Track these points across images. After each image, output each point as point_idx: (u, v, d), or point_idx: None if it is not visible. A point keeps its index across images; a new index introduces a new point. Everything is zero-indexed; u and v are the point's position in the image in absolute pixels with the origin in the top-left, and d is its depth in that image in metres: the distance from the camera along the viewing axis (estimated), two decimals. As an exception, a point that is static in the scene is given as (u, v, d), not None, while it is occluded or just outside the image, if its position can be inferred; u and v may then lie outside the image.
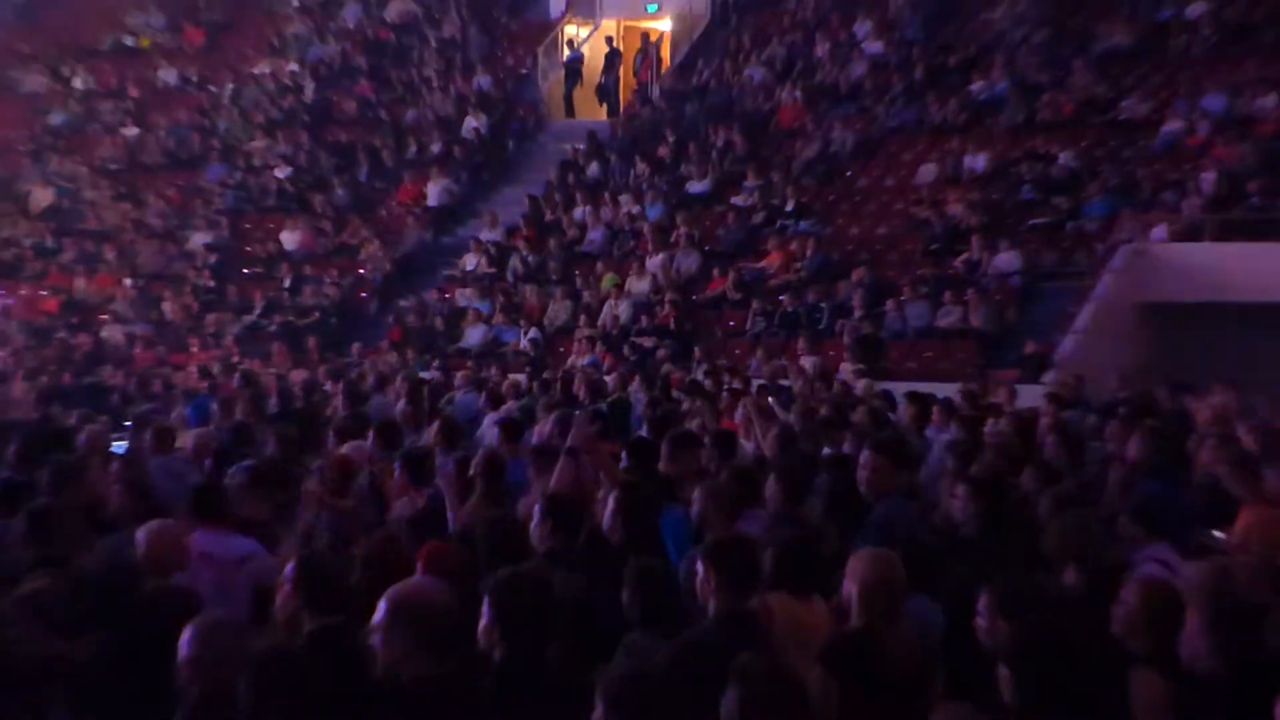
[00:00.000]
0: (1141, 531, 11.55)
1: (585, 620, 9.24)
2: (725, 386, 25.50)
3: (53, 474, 13.33)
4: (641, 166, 42.34)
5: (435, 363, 33.80)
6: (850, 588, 9.00)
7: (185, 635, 7.87)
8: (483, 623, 8.01)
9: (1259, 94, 37.90)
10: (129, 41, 55.34)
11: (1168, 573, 9.76)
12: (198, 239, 43.97)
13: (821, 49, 45.83)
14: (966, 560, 11.09)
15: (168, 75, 53.09)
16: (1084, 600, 9.34)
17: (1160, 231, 35.37)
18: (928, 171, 39.11)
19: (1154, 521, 11.66)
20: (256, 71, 52.60)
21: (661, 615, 9.01)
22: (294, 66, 52.28)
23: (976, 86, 41.30)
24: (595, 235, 40.36)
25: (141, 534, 10.67)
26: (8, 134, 51.49)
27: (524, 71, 50.33)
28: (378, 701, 7.61)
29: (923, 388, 24.97)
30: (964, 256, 35.92)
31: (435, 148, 45.80)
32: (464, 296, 39.64)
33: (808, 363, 31.24)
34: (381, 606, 7.59)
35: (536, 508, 11.10)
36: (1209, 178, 35.37)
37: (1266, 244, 34.30)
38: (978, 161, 38.77)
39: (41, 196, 47.34)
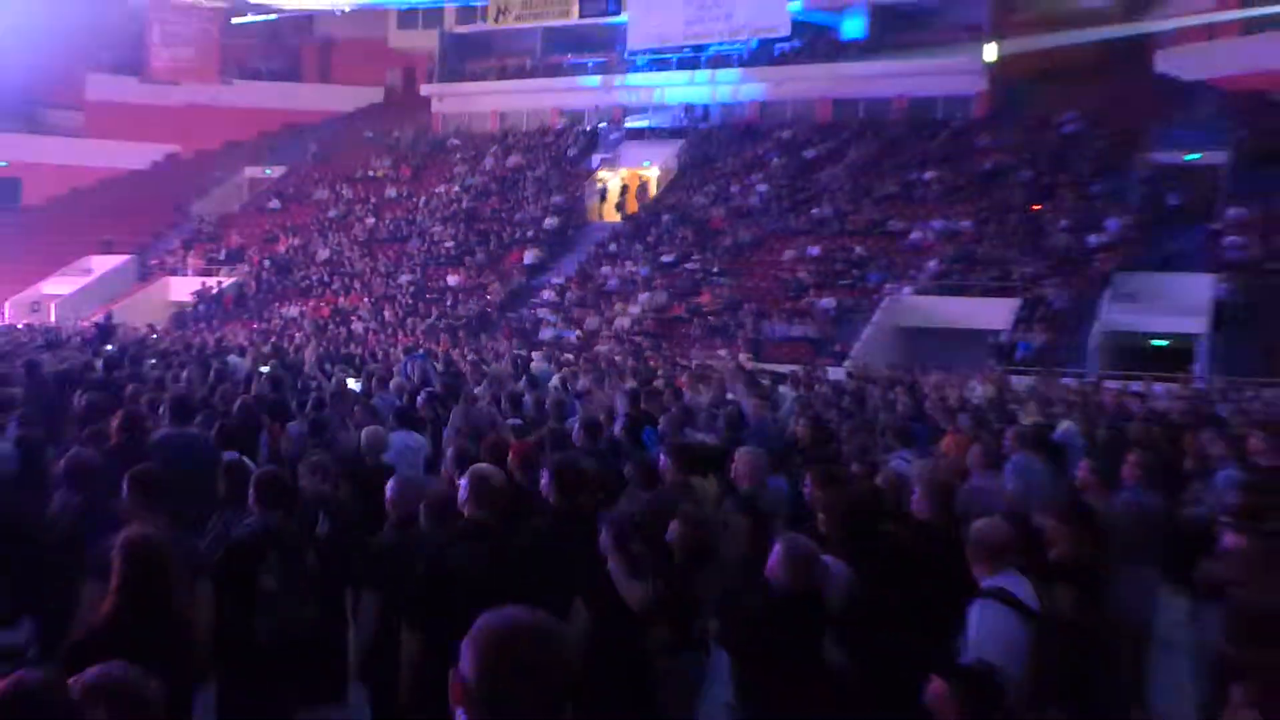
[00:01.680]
0: (898, 444, 10.87)
1: (608, 486, 8.16)
2: (681, 366, 24.49)
3: (322, 400, 12.34)
4: (638, 246, 40.44)
5: (527, 349, 30.77)
6: (739, 469, 8.21)
7: (390, 484, 7.03)
8: (542, 483, 7.01)
9: (962, 220, 36.30)
10: (372, 173, 51.18)
11: (908, 466, 9.19)
12: (404, 278, 41.43)
13: (735, 188, 43.32)
14: (803, 457, 10.17)
15: (391, 191, 49.67)
16: (865, 479, 8.53)
17: (907, 289, 34.22)
18: (789, 255, 37.63)
19: (905, 438, 11.04)
20: (438, 190, 48.58)
21: (646, 483, 8.07)
22: (457, 188, 48.38)
23: (815, 210, 39.52)
24: (612, 282, 38.68)
25: (366, 433, 9.69)
26: (306, 221, 48.08)
27: (577, 194, 46.54)
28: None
29: (784, 369, 24.25)
30: (806, 299, 34.81)
31: (529, 233, 43.33)
32: (542, 313, 37.51)
33: (723, 353, 30.10)
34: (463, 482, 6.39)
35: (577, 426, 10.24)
36: (932, 264, 34.82)
37: (961, 299, 33.20)
38: (815, 249, 37.36)
39: (321, 254, 44.80)
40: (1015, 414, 15.66)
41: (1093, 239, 34.20)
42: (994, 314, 32.28)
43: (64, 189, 49.93)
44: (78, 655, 4.13)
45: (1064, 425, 14.13)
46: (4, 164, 50.23)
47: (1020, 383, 22.88)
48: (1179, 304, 31.20)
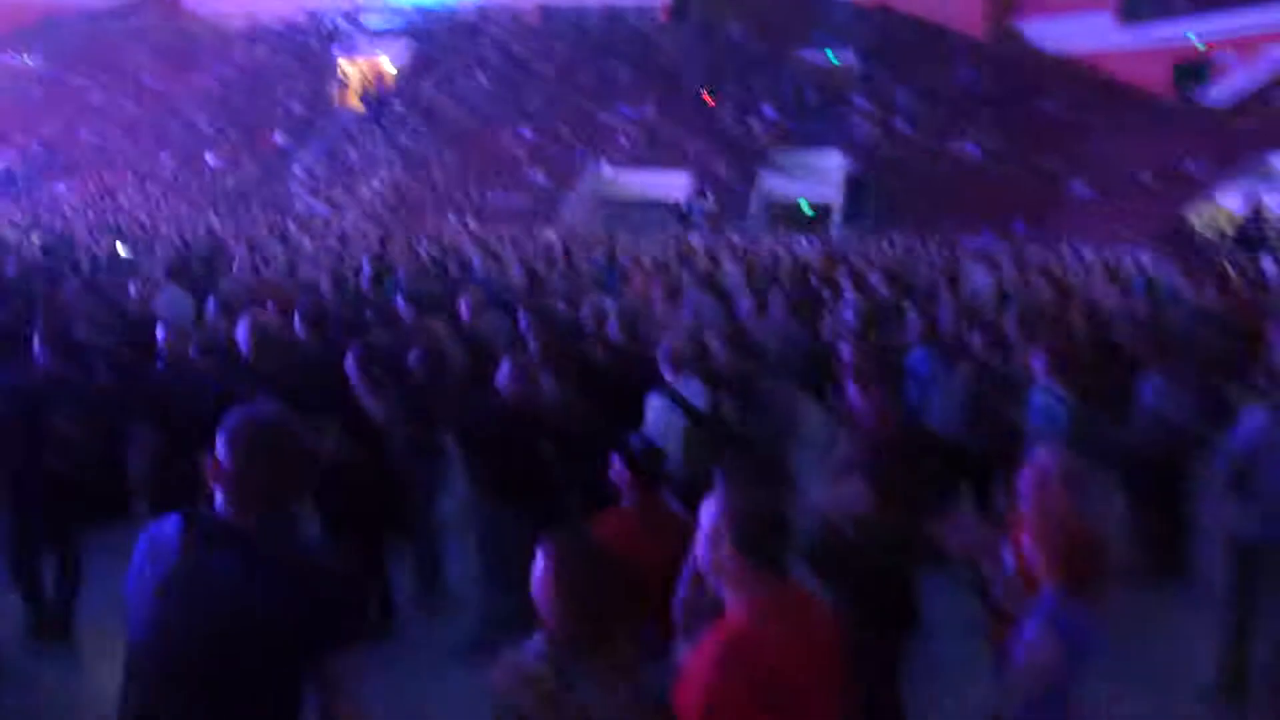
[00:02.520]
0: (597, 289, 10.73)
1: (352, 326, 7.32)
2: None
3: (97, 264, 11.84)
4: (377, 130, 38.83)
5: (282, 220, 29.14)
6: (464, 308, 8.16)
7: (160, 329, 6.54)
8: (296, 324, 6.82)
9: (647, 107, 35.52)
10: (129, 65, 45.49)
11: (610, 303, 8.99)
12: (165, 157, 38.89)
13: (459, 79, 41.53)
14: (521, 298, 9.41)
15: (148, 79, 44.65)
16: (569, 314, 8.58)
17: (604, 165, 33.50)
18: (506, 136, 36.51)
19: (602, 284, 11.09)
20: (193, 79, 44.56)
21: (386, 323, 7.87)
22: (211, 78, 45.25)
23: (527, 99, 38.27)
24: (356, 161, 36.67)
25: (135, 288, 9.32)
26: (69, 108, 43.29)
27: (322, 85, 43.71)
28: None
29: (505, 232, 23.28)
30: (521, 174, 33.73)
31: (280, 118, 40.77)
32: (295, 189, 35.76)
33: (453, 219, 28.91)
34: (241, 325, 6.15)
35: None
36: (623, 143, 33.52)
37: (647, 171, 32.67)
38: (527, 132, 36.22)
39: (86, 137, 40.72)
40: (693, 262, 16.05)
41: (754, 123, 35.15)
42: (674, 185, 32.82)
43: None
44: None
45: (730, 271, 14.75)
46: None
47: (696, 239, 23.45)
48: (820, 175, 32.57)
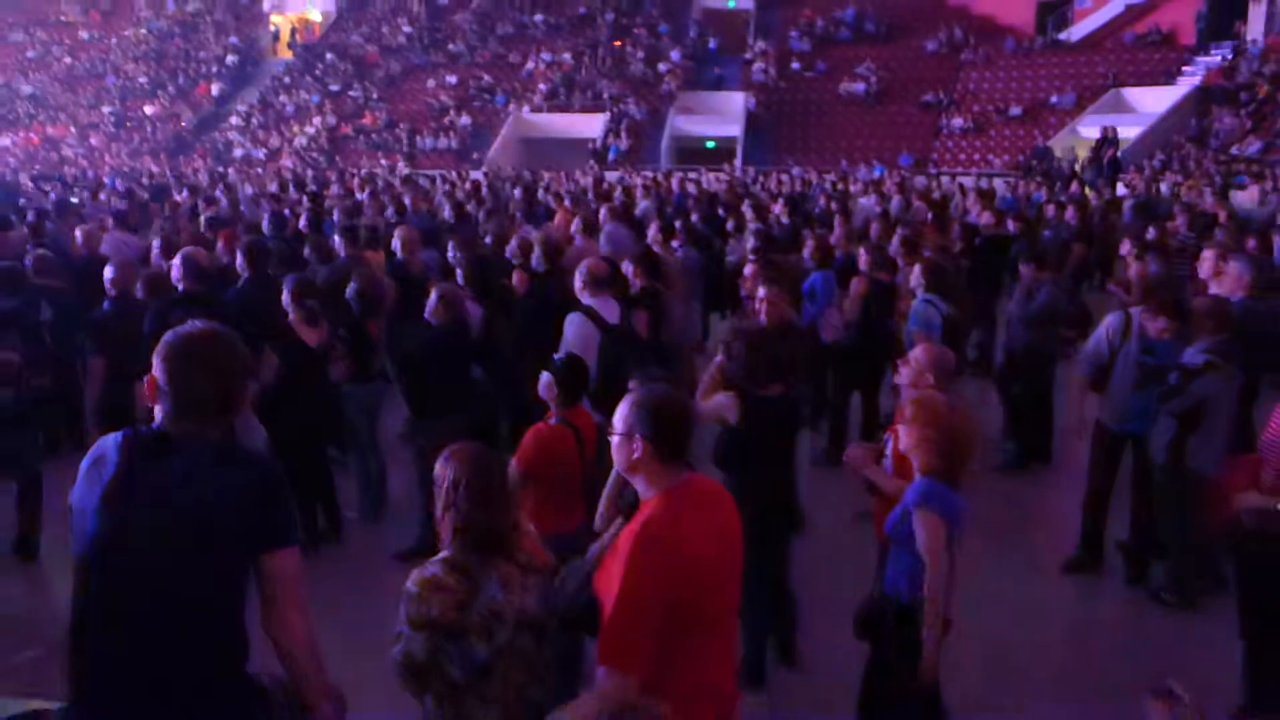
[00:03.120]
0: (526, 221, 10.78)
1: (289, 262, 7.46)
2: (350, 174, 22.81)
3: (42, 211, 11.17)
4: (308, 78, 37.59)
5: (221, 166, 28.81)
6: (398, 243, 8.00)
7: (108, 268, 6.32)
8: (239, 261, 6.70)
9: (564, 54, 34.69)
10: (63, 18, 43.03)
11: (533, 233, 8.50)
12: (105, 109, 36.99)
13: (385, 29, 40.36)
14: (449, 233, 9.07)
15: (83, 34, 42.39)
16: (496, 246, 8.50)
17: (525, 109, 33.21)
18: (431, 83, 35.77)
19: (529, 217, 11.08)
20: (127, 34, 42.35)
21: (323, 258, 7.80)
22: (144, 31, 42.89)
23: (450, 46, 37.46)
24: (289, 109, 35.78)
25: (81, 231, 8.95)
26: (6, 61, 41.84)
27: (252, 36, 41.91)
28: None
29: (433, 173, 22.86)
30: (448, 119, 32.99)
31: (214, 69, 39.29)
32: (232, 136, 34.46)
33: (384, 163, 28.16)
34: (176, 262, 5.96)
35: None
36: (542, 88, 33.44)
37: (565, 115, 32.42)
38: (452, 79, 35.46)
39: (25, 90, 38.66)
40: (610, 195, 15.90)
41: (662, 67, 34.76)
42: (590, 126, 32.38)
43: None
44: None
45: (642, 204, 14.69)
46: None
47: (611, 176, 23.33)
48: (724, 114, 32.43)
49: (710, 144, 32.10)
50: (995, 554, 5.43)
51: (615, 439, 2.63)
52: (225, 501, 2.14)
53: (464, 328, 5.87)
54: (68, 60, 41.38)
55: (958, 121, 30.16)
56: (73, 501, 2.18)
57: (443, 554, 2.61)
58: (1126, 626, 5.20)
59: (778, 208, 12.88)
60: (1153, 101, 27.80)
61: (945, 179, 23.23)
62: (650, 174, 23.73)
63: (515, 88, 35.10)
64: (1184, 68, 29.03)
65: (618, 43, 36.96)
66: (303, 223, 10.54)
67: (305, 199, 12.70)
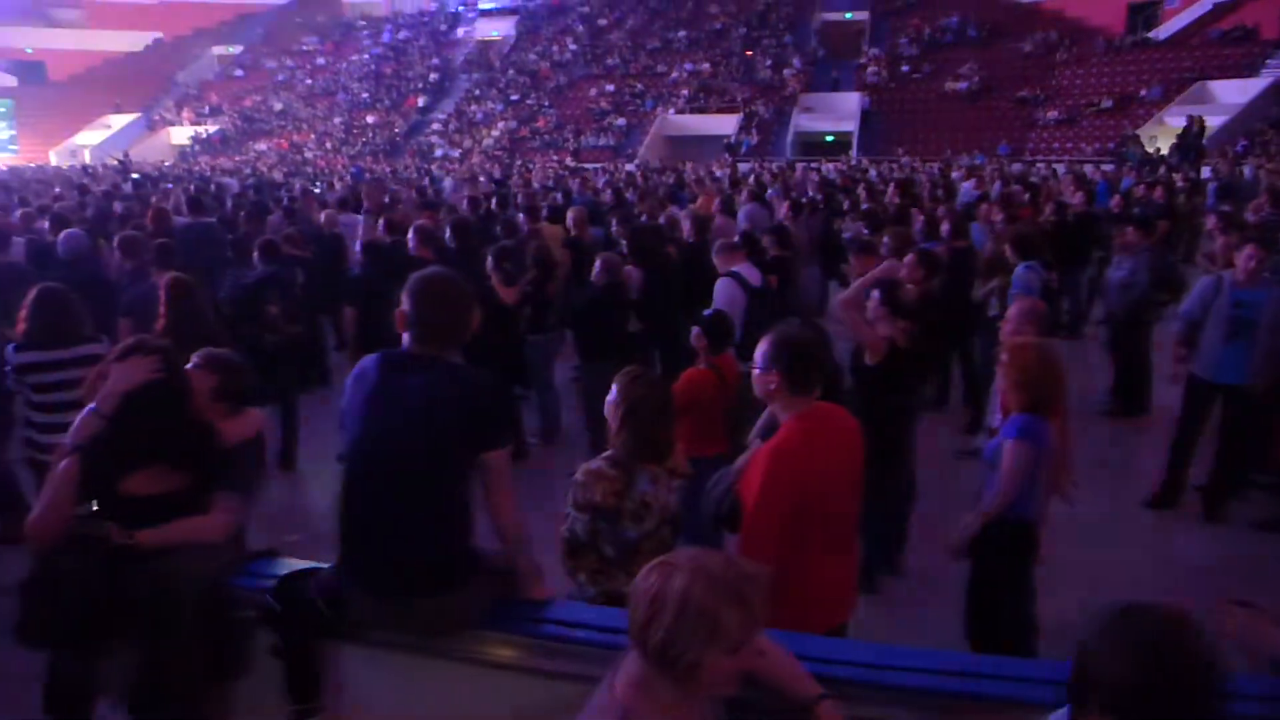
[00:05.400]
0: (671, 203, 10.53)
1: (485, 236, 7.67)
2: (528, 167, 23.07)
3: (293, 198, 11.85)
4: (493, 90, 38.20)
5: (426, 164, 29.83)
6: (571, 222, 8.10)
7: (358, 245, 6.83)
8: (446, 236, 6.86)
9: (702, 63, 33.95)
10: (305, 47, 45.11)
11: (681, 211, 8.84)
12: (336, 120, 38.59)
13: (554, 47, 40.54)
14: (611, 212, 9.22)
15: (320, 59, 44.16)
16: (651, 221, 8.25)
17: (670, 111, 32.78)
18: (593, 91, 35.60)
19: (675, 199, 10.61)
20: (353, 58, 44.11)
21: (509, 233, 7.89)
22: (365, 56, 44.80)
23: (608, 60, 37.24)
24: (478, 116, 36.39)
25: (324, 215, 9.26)
26: (262, 84, 43.13)
27: (449, 57, 42.78)
28: None
29: (595, 166, 22.94)
30: (606, 120, 32.83)
31: (419, 85, 40.37)
32: (434, 139, 35.32)
33: (555, 158, 28.38)
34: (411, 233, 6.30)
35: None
36: (684, 93, 32.60)
37: (703, 116, 31.75)
38: (610, 87, 35.20)
39: (276, 106, 40.54)
40: (743, 182, 15.69)
41: (786, 72, 33.95)
42: (724, 125, 31.91)
43: (80, 68, 44.21)
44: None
45: (771, 188, 14.43)
46: (29, 49, 44.38)
47: (744, 167, 22.98)
48: (841, 112, 31.46)
49: (829, 138, 31.20)
50: (1092, 490, 5.04)
51: (756, 372, 2.64)
52: (454, 408, 2.22)
53: (623, 288, 5.90)
54: (308, 81, 43.21)
55: (1052, 114, 28.38)
56: (342, 408, 2.32)
57: (607, 453, 2.69)
58: (1205, 555, 4.92)
59: (890, 191, 12.46)
60: (1236, 93, 25.50)
61: (1040, 165, 21.95)
62: (778, 164, 23.36)
63: (662, 93, 34.90)
64: (1267, 61, 26.50)
65: (748, 52, 36.26)
66: (493, 205, 10.91)
67: (494, 187, 13.02)
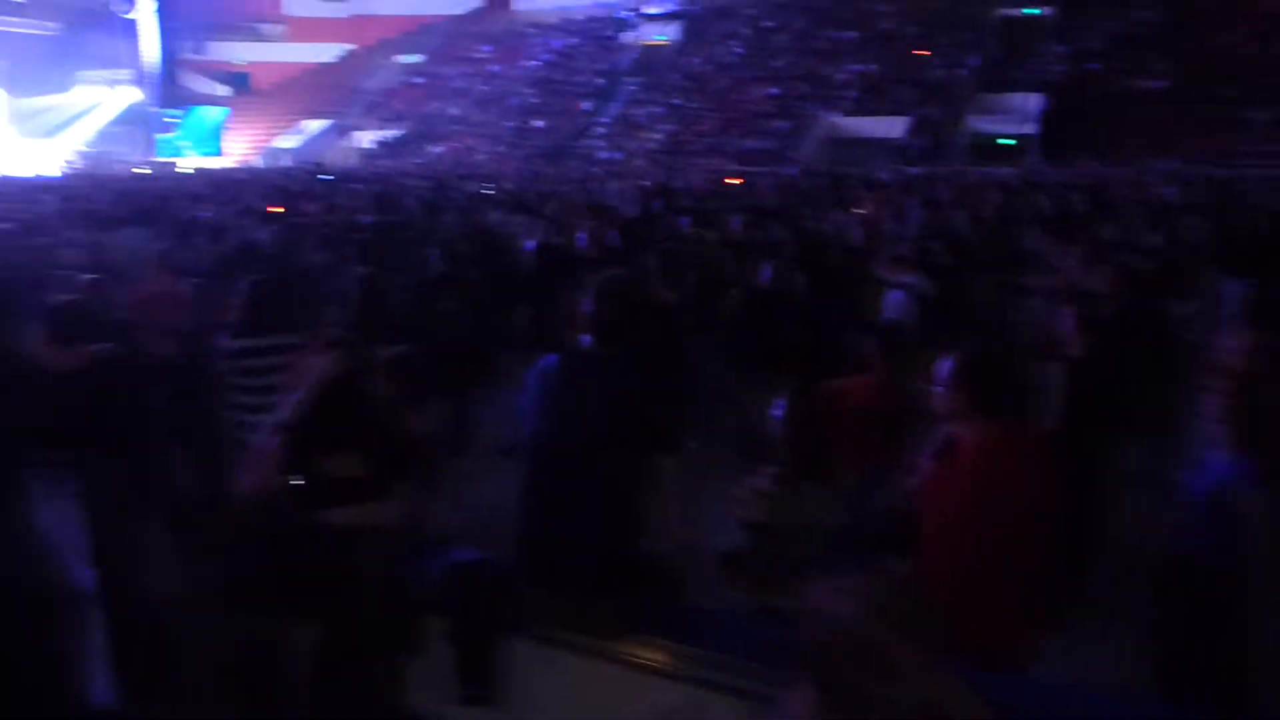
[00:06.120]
0: (836, 207, 10.62)
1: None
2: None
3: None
4: (657, 94, 38.63)
5: (590, 166, 30.84)
6: (731, 226, 8.40)
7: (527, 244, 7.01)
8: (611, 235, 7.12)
9: (871, 64, 33.40)
10: (476, 54, 47.17)
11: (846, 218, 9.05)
12: (506, 124, 40.26)
13: (718, 50, 40.75)
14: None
15: (494, 66, 46.41)
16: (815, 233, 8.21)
17: (835, 114, 32.27)
18: (756, 94, 35.08)
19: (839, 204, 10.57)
20: (523, 64, 46.20)
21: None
22: (536, 62, 46.52)
23: (772, 63, 36.93)
24: (641, 118, 36.78)
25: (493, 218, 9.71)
26: (441, 90, 45.66)
27: (614, 62, 44.00)
28: None
29: (753, 170, 22.61)
30: (769, 123, 32.01)
31: (586, 89, 41.39)
32: (598, 143, 36.23)
33: (713, 161, 27.91)
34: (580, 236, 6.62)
35: None
36: (851, 95, 31.43)
37: (869, 118, 31.21)
38: (775, 90, 34.74)
39: (453, 111, 42.87)
40: (912, 187, 15.16)
41: (961, 71, 32.64)
42: (892, 128, 30.93)
43: (281, 78, 48.31)
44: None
45: (944, 193, 13.87)
46: (241, 63, 48.84)
47: (912, 171, 22.17)
48: (1019, 114, 29.85)
49: (1005, 141, 29.69)
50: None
51: (939, 390, 2.53)
52: (632, 411, 2.26)
53: (788, 295, 5.79)
54: (482, 87, 45.06)
55: (1256, 113, 25.83)
56: (519, 405, 2.39)
57: (770, 469, 2.64)
58: None
59: (1077, 197, 11.68)
60: None
61: (1251, 172, 19.96)
62: (951, 168, 22.46)
63: (827, 95, 34.25)
64: None
65: (920, 52, 34.98)
66: (656, 207, 11.01)
67: (658, 190, 13.14)
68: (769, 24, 41.63)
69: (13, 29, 39.50)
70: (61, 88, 41.36)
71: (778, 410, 2.66)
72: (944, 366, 2.53)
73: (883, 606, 1.42)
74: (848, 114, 32.73)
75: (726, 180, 17.82)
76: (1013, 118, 29.88)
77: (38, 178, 24.52)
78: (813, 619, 1.45)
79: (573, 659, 2.44)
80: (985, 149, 29.43)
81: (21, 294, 3.14)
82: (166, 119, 42.45)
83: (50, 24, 41.38)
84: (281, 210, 10.53)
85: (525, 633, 2.49)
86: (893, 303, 5.38)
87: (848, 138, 32.01)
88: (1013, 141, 29.54)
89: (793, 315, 5.77)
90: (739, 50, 40.04)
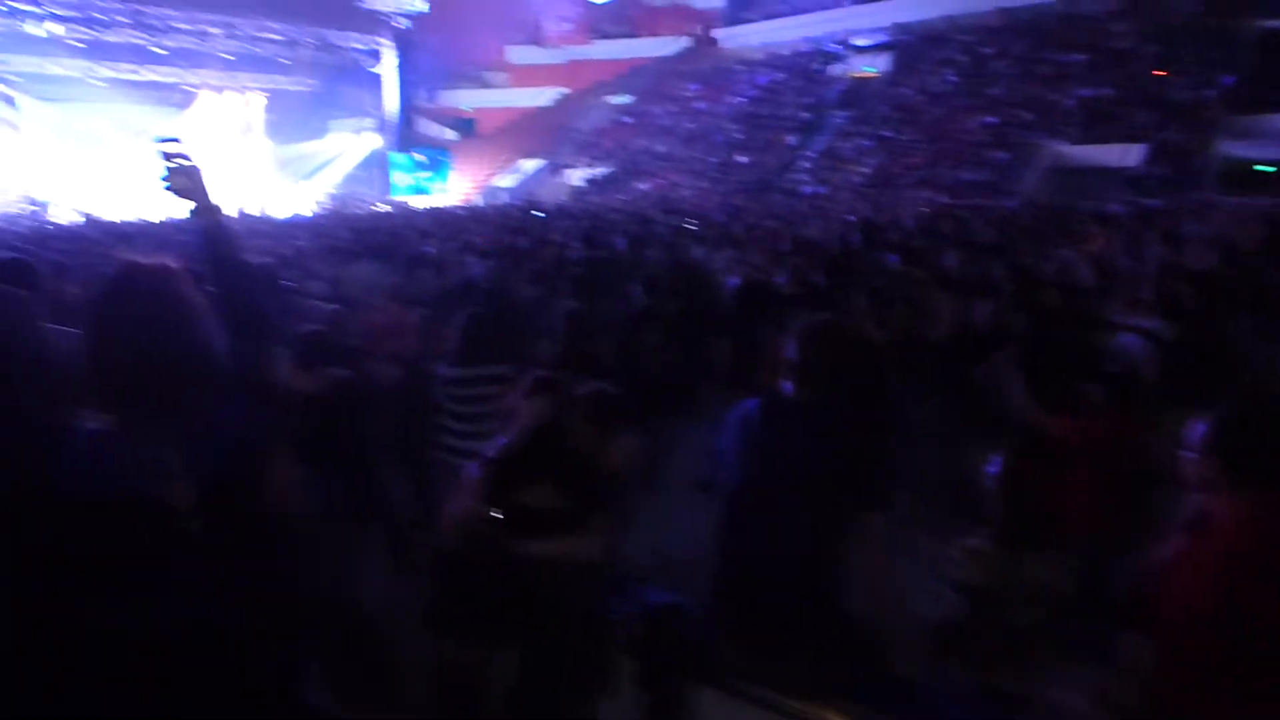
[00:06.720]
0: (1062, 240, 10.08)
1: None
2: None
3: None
4: (864, 126, 37.88)
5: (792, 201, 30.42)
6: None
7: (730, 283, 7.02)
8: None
9: (1103, 88, 30.81)
10: (685, 92, 49.56)
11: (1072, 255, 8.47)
12: (711, 159, 41.12)
13: (931, 79, 39.41)
14: None
15: (700, 104, 47.87)
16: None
17: (1062, 144, 29.80)
18: (972, 123, 33.64)
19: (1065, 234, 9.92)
20: (729, 100, 47.26)
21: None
22: (741, 98, 47.19)
23: (990, 90, 35.18)
24: (848, 152, 36.10)
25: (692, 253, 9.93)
26: (649, 129, 47.65)
27: (821, 96, 44.10)
28: None
29: (968, 203, 21.52)
30: (985, 153, 30.48)
31: (790, 123, 41.33)
32: (802, 177, 35.89)
33: (925, 195, 26.86)
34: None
35: None
36: (1079, 122, 29.34)
37: (1101, 146, 28.97)
38: (992, 119, 33.16)
39: (660, 149, 44.16)
40: (1150, 221, 13.90)
41: (1210, 92, 29.66)
42: (1127, 155, 28.31)
43: (502, 122, 51.66)
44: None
45: (1190, 227, 12.63)
46: (468, 109, 52.68)
47: (1151, 204, 20.44)
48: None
49: (1264, 168, 26.59)
50: None
51: (1190, 454, 2.26)
52: (836, 464, 2.16)
53: (1005, 338, 5.37)
54: (688, 125, 46.06)
55: None
56: (719, 447, 2.35)
57: (989, 528, 2.47)
58: None
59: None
60: None
61: None
62: (1197, 199, 20.47)
63: (1051, 122, 32.19)
64: None
65: (1161, 72, 32.17)
66: (862, 242, 10.71)
67: (864, 224, 12.82)
68: (986, 50, 39.79)
69: (279, 86, 44.94)
70: (317, 135, 46.55)
71: (995, 466, 2.45)
72: (1196, 429, 2.24)
73: (1128, 714, 1.25)
74: (1074, 142, 30.50)
75: (938, 213, 17.16)
76: (1273, 141, 26.83)
77: (294, 217, 27.43)
78: (1047, 716, 1.30)
79: (764, 717, 2.34)
80: (1239, 176, 26.53)
81: (277, 323, 3.50)
82: (402, 161, 46.52)
83: (310, 80, 46.60)
84: (497, 246, 11.18)
85: (716, 683, 2.42)
86: (1125, 349, 4.93)
87: (1074, 167, 29.78)
88: (1272, 168, 26.53)
89: (1010, 360, 5.40)
90: (953, 79, 38.53)
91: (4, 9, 32.34)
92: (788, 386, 2.26)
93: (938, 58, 41.53)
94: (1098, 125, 30.84)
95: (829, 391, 2.21)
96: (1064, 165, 30.70)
